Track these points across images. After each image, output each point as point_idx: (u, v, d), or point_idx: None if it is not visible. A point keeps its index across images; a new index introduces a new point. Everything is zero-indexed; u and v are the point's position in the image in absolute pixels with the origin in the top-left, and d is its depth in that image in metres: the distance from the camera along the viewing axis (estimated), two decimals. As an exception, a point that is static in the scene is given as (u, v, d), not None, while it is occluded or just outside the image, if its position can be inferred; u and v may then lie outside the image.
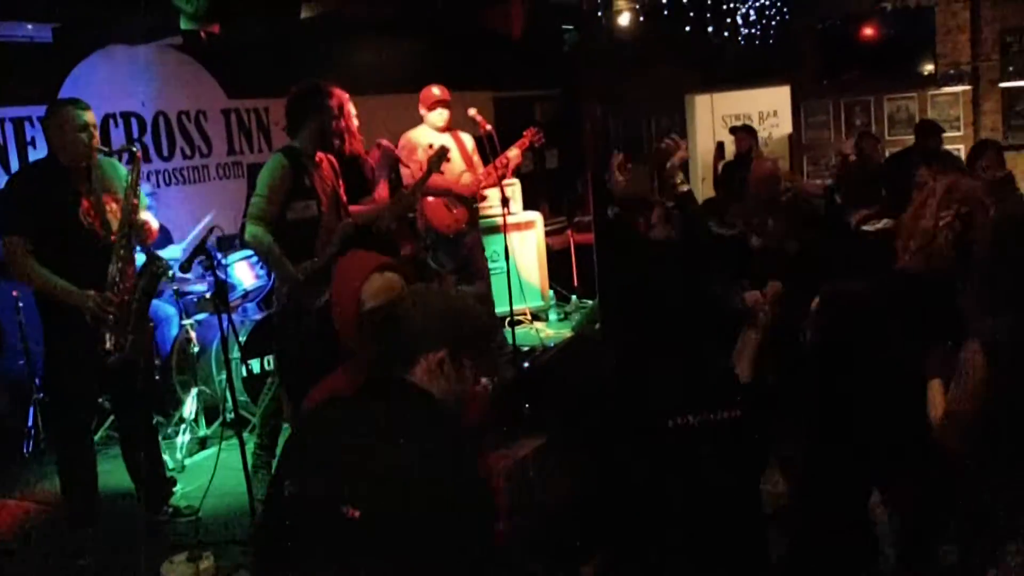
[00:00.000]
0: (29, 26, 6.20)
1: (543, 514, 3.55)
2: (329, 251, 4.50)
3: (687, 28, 9.47)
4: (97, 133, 4.05)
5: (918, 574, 3.03)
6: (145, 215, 4.13)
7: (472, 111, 5.79)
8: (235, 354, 5.10)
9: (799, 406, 3.38)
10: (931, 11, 9.53)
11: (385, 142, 5.65)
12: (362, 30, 8.34)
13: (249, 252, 5.80)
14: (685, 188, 4.11)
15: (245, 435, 4.27)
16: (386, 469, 1.85)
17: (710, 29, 9.62)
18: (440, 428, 1.97)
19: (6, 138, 5.88)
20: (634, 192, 5.05)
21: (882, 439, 2.90)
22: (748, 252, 4.08)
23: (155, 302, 5.19)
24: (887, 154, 8.69)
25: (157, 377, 5.47)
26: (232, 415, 5.06)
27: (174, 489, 4.60)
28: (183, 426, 5.40)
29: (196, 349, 5.65)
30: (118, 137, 6.27)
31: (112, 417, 5.25)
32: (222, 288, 4.29)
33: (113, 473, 4.76)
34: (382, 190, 5.71)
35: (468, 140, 6.01)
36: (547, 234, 8.34)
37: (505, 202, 5.76)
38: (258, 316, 5.94)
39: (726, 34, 9.71)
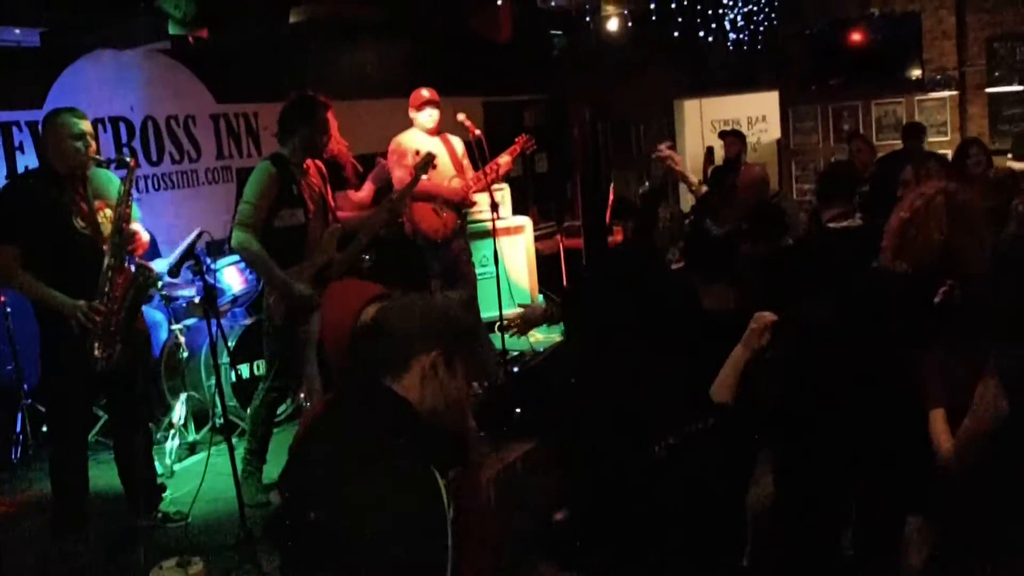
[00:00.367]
0: (17, 30, 6.20)
1: (536, 514, 3.55)
2: (320, 258, 4.53)
3: (676, 33, 9.53)
4: (94, 142, 4.05)
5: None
6: (136, 226, 4.12)
7: (461, 116, 5.79)
8: (224, 359, 5.08)
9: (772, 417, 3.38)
10: (918, 17, 9.61)
11: (384, 162, 5.79)
12: (351, 35, 8.35)
13: (238, 257, 5.79)
14: (704, 189, 4.16)
15: (235, 440, 4.26)
16: (351, 485, 1.87)
17: (699, 34, 9.67)
18: (412, 442, 1.94)
19: (-6, 143, 5.85)
20: (623, 196, 5.09)
21: (855, 444, 2.92)
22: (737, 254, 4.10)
23: (143, 308, 5.17)
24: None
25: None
26: (221, 420, 5.04)
27: (163, 494, 4.59)
28: (172, 431, 5.37)
29: (185, 354, 5.63)
30: (106, 142, 6.25)
31: (102, 422, 5.25)
32: (211, 293, 4.30)
33: (102, 478, 4.75)
34: (364, 191, 5.73)
35: (458, 144, 6.00)
36: (536, 239, 8.34)
37: (494, 207, 5.75)
38: (247, 321, 5.92)
39: (714, 40, 9.76)
